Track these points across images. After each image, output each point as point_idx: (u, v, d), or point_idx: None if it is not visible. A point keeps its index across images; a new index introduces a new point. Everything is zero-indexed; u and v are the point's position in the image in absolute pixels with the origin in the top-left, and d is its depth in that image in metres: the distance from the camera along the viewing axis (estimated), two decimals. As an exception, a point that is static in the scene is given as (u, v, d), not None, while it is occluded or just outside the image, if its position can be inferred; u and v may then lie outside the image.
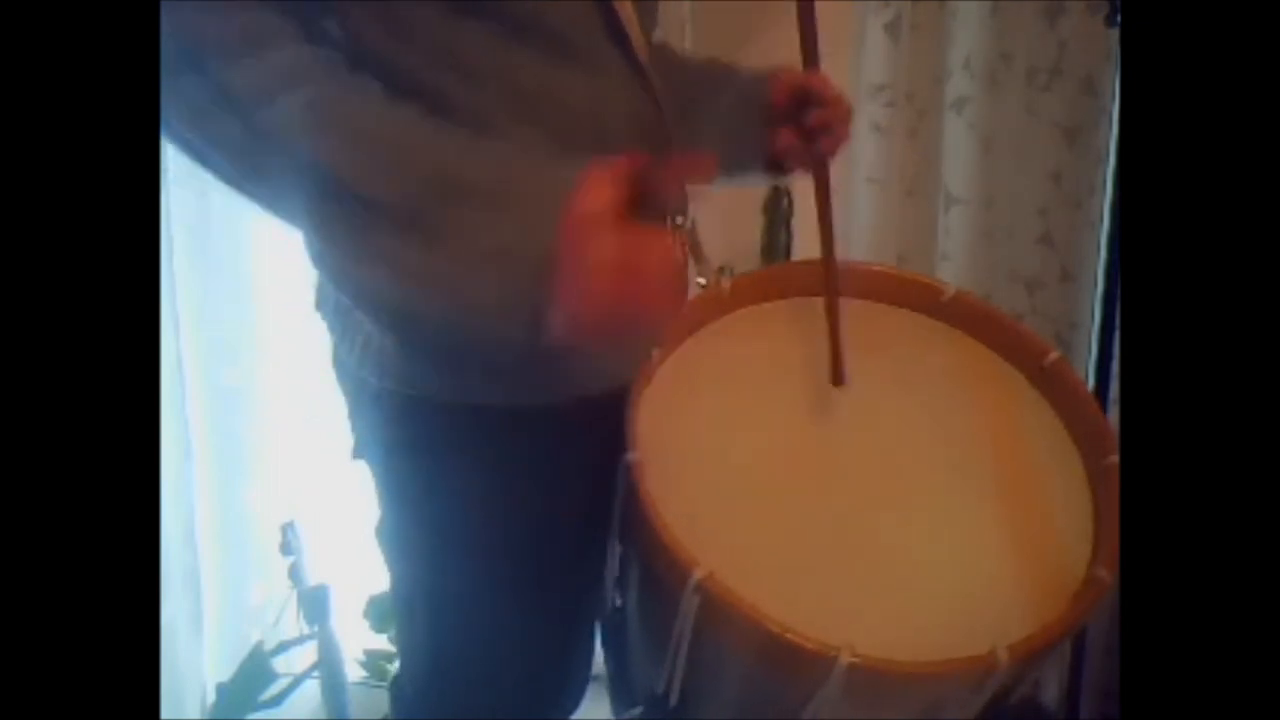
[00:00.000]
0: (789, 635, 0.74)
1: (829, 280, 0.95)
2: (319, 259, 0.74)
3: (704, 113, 1.01)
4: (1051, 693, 1.66)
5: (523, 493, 0.88)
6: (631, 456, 0.83)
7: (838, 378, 0.94)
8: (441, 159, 0.71)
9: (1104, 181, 1.39)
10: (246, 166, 0.70)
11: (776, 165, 1.02)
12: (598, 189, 0.70)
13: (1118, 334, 1.36)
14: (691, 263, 0.99)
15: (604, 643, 1.01)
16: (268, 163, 0.69)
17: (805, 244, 1.86)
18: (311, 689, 1.60)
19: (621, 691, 0.99)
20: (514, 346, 0.71)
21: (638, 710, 0.94)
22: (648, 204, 0.89)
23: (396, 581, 0.97)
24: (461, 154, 0.72)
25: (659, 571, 0.82)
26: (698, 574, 0.76)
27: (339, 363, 0.92)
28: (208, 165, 0.71)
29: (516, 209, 0.70)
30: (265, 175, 0.70)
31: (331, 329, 0.92)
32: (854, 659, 0.73)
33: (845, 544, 0.85)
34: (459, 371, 0.84)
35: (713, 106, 1.02)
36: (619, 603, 0.95)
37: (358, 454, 0.95)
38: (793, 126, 0.97)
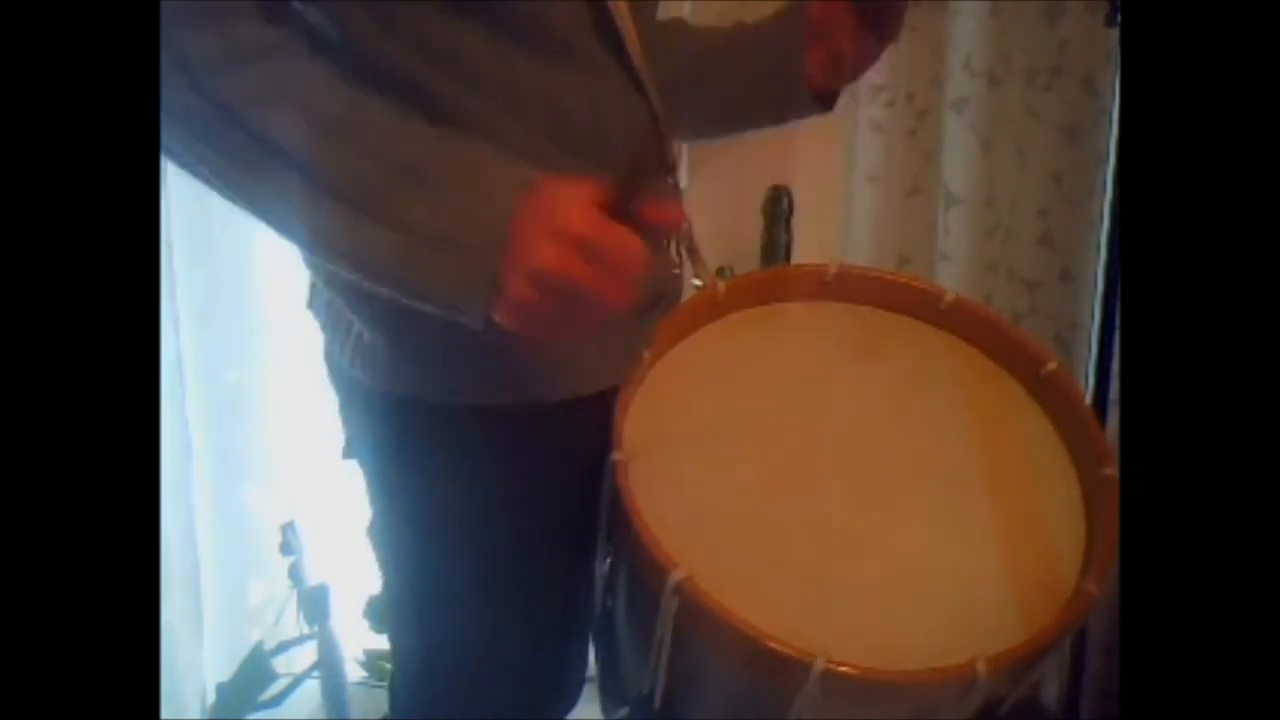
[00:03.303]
0: (764, 640, 0.74)
1: None
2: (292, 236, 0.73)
3: (738, 57, 1.00)
4: (1051, 693, 1.66)
5: (512, 493, 0.88)
6: (616, 456, 0.82)
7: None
8: (397, 144, 0.71)
9: (1104, 182, 1.39)
10: (201, 141, 0.69)
11: (821, 91, 0.99)
12: (560, 185, 0.70)
13: (1118, 334, 1.36)
14: (688, 265, 0.99)
15: (594, 642, 1.01)
16: (222, 136, 0.69)
17: (805, 244, 1.87)
18: (311, 689, 1.60)
19: (611, 691, 0.99)
20: (469, 336, 0.71)
21: (624, 710, 0.94)
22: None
23: (388, 581, 0.97)
24: (418, 140, 0.72)
25: (641, 573, 0.82)
26: (676, 576, 0.76)
27: (330, 361, 0.92)
28: (168, 152, 0.71)
29: (472, 195, 0.70)
30: (220, 150, 0.69)
31: (323, 327, 0.92)
32: (829, 665, 0.73)
33: (834, 549, 0.85)
34: (448, 371, 0.84)
35: (746, 49, 1.01)
36: (608, 603, 0.95)
37: (348, 453, 0.95)
38: (839, 30, 0.95)
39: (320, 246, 0.72)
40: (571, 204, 0.68)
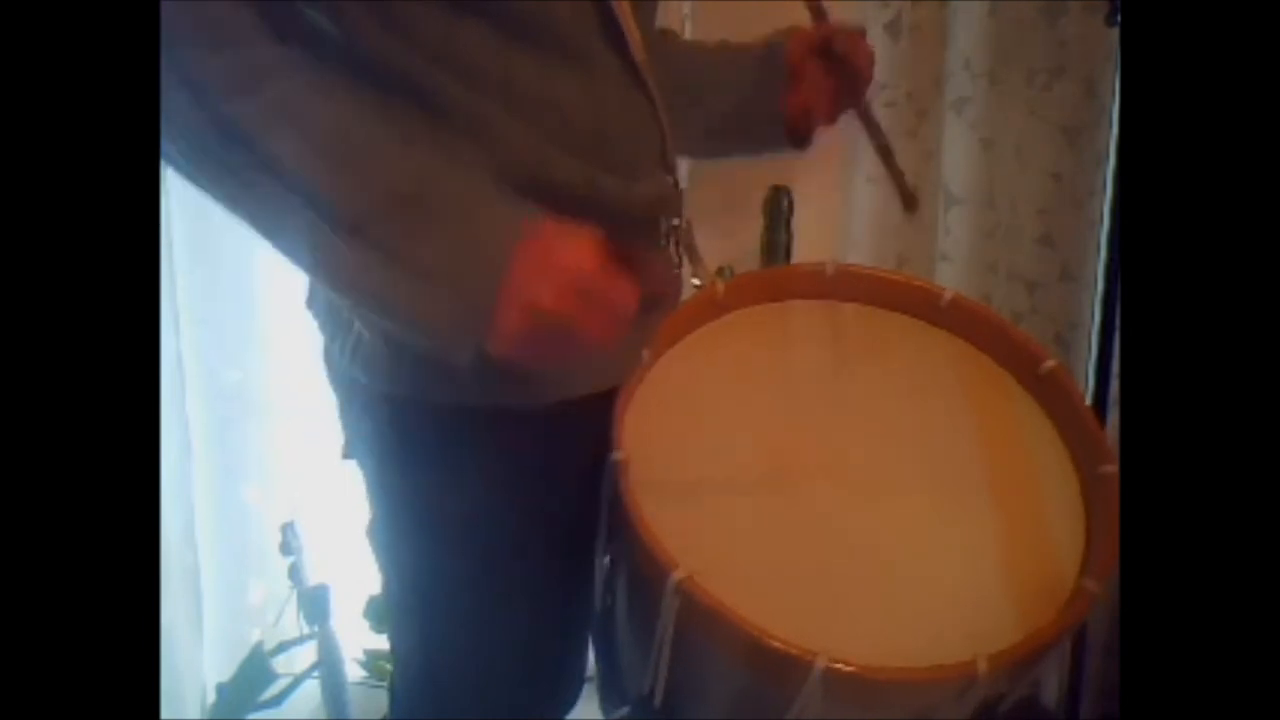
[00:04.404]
0: (766, 638, 0.74)
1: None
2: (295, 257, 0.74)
3: (719, 86, 1.02)
4: (1051, 692, 1.66)
5: (511, 493, 0.88)
6: (617, 456, 0.83)
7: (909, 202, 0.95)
8: (400, 173, 0.72)
9: (1104, 182, 1.39)
10: (206, 158, 0.70)
11: (796, 131, 1.01)
12: (560, 227, 0.72)
13: (1118, 334, 1.36)
14: (687, 264, 0.99)
15: (593, 642, 1.01)
16: (227, 156, 0.69)
17: (805, 244, 1.86)
18: (311, 689, 1.60)
19: (610, 691, 0.99)
20: (461, 360, 0.73)
21: (625, 710, 0.94)
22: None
23: (388, 582, 0.97)
24: (420, 170, 0.73)
25: (642, 572, 0.82)
26: (677, 575, 0.76)
27: (330, 362, 0.92)
28: (170, 161, 0.71)
29: (473, 230, 0.72)
30: (224, 169, 0.70)
31: (323, 328, 0.92)
32: (830, 664, 0.73)
33: (835, 548, 0.85)
34: (449, 373, 0.84)
35: (728, 80, 1.02)
36: (608, 603, 0.95)
37: (348, 453, 0.95)
38: (812, 83, 0.98)
39: (319, 272, 0.73)
40: (571, 246, 0.71)
